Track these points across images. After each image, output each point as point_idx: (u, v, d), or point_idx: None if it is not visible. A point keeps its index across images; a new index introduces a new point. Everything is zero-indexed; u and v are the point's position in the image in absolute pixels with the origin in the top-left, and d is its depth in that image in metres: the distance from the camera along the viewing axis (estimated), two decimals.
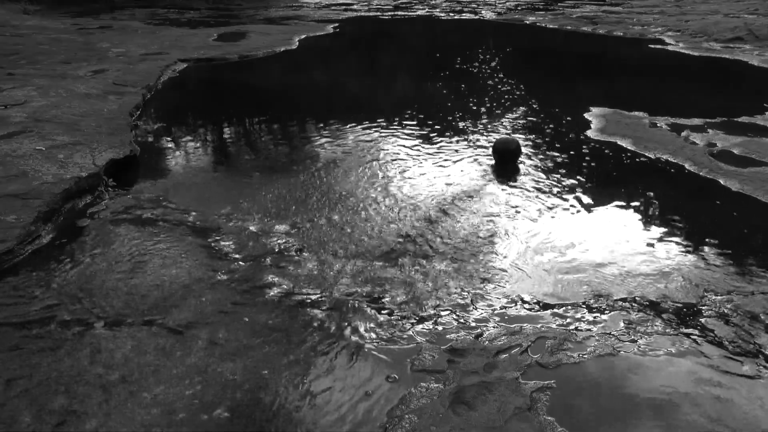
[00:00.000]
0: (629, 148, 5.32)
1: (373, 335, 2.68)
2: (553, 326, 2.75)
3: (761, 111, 6.47)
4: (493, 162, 4.94)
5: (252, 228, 3.66)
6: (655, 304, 2.92)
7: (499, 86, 8.12)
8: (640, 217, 3.97)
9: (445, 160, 5.01)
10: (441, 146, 5.40)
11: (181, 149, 5.44)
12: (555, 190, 4.39)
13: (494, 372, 2.44)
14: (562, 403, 2.28)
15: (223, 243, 3.47)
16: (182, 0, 18.51)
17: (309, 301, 2.92)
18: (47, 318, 2.73)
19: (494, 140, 5.23)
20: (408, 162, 4.94)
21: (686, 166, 4.83)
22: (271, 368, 2.45)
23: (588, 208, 4.09)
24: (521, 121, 6.34)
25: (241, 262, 3.26)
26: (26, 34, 10.67)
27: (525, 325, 2.75)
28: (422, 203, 4.07)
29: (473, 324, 2.76)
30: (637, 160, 5.03)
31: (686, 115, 6.31)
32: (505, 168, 4.81)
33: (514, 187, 4.42)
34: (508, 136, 5.25)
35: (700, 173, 4.67)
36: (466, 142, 5.53)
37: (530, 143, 5.55)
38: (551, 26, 14.36)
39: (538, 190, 4.38)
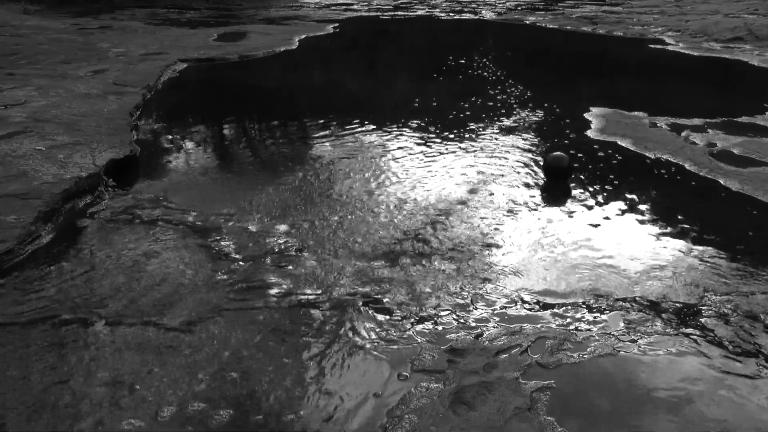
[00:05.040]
0: (629, 148, 5.32)
1: (373, 335, 2.68)
2: (553, 326, 2.75)
3: (761, 111, 6.47)
4: (488, 160, 4.94)
5: (252, 228, 3.66)
6: (655, 304, 2.92)
7: (499, 86, 8.12)
8: (639, 216, 3.97)
9: (444, 160, 5.01)
10: (440, 147, 5.39)
11: (181, 149, 5.44)
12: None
13: (494, 372, 2.44)
14: (562, 403, 2.28)
15: (223, 243, 3.47)
16: (182, 0, 18.51)
17: (309, 301, 2.92)
18: (48, 318, 2.73)
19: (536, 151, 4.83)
20: (407, 162, 4.94)
21: (686, 166, 4.83)
22: (270, 368, 2.45)
23: (587, 207, 4.09)
24: (521, 121, 6.34)
25: (241, 263, 3.26)
26: (26, 34, 10.67)
27: (525, 325, 2.75)
28: (421, 203, 4.07)
29: (473, 324, 2.76)
30: (637, 160, 5.03)
31: (686, 115, 6.31)
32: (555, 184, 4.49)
33: (509, 187, 4.42)
34: (560, 153, 4.60)
35: (700, 173, 4.67)
36: (465, 142, 5.53)
37: (530, 143, 5.55)
38: (551, 26, 14.36)
39: (536, 189, 4.38)
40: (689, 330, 2.73)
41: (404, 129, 5.96)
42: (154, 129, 6.04)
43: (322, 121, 6.34)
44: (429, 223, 3.77)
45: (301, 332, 2.69)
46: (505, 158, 5.08)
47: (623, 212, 4.03)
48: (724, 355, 2.56)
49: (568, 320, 2.79)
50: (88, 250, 3.37)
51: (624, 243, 3.57)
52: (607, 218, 3.94)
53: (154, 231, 3.60)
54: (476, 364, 2.48)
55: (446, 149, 5.31)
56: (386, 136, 5.72)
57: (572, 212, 4.01)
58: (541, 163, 4.77)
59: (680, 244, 3.57)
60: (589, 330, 2.72)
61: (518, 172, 4.73)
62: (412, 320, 2.78)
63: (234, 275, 3.13)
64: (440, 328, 2.73)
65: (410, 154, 5.17)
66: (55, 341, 2.57)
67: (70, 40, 10.35)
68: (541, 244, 3.53)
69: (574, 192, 4.34)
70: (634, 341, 2.64)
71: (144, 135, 5.74)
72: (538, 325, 2.75)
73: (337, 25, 14.25)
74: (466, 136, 5.76)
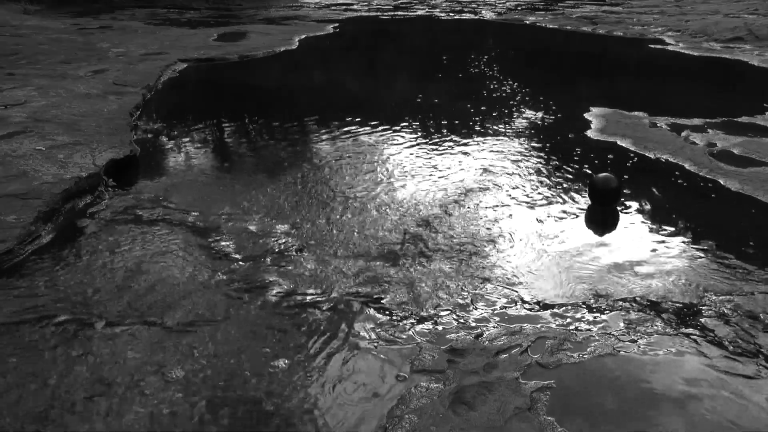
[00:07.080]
0: (629, 148, 5.32)
1: (373, 335, 2.68)
2: (553, 326, 2.75)
3: (761, 111, 6.46)
4: (487, 161, 4.94)
5: (252, 228, 3.66)
6: (655, 304, 2.92)
7: (499, 86, 8.12)
8: (639, 216, 3.97)
9: (444, 160, 5.01)
10: (439, 147, 5.39)
11: (181, 149, 5.44)
12: (553, 189, 4.39)
13: (494, 372, 2.44)
14: (562, 403, 2.28)
15: (223, 243, 3.47)
16: (182, 0, 18.50)
17: (309, 301, 2.92)
18: (48, 318, 2.72)
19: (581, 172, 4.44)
20: (407, 162, 4.94)
21: (686, 166, 4.83)
22: (269, 368, 2.45)
23: (586, 208, 4.08)
24: (521, 122, 6.34)
25: (241, 262, 3.26)
26: (26, 34, 10.67)
27: (525, 325, 2.75)
28: (421, 203, 4.07)
29: (473, 324, 2.76)
30: (637, 160, 5.03)
31: (686, 115, 6.31)
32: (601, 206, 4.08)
33: (507, 188, 4.42)
34: (608, 174, 4.08)
35: (700, 173, 4.67)
36: (464, 143, 5.53)
37: (529, 143, 5.56)
38: (551, 26, 14.35)
39: (534, 189, 4.38)
40: (689, 330, 2.73)
41: (404, 129, 5.95)
42: (154, 129, 6.04)
43: (322, 121, 6.34)
44: (429, 222, 3.77)
45: (301, 332, 2.69)
46: (505, 159, 5.07)
47: (623, 212, 4.02)
48: (724, 355, 2.56)
49: (568, 320, 2.79)
50: (88, 250, 3.36)
51: (624, 242, 3.57)
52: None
53: (154, 231, 3.60)
54: (476, 364, 2.48)
55: (446, 149, 5.31)
56: (386, 136, 5.72)
57: (571, 211, 4.00)
58: (587, 186, 4.22)
59: (680, 244, 3.57)
60: (589, 330, 2.72)
61: (518, 173, 4.72)
62: (412, 320, 2.78)
63: (234, 275, 3.13)
64: (440, 328, 2.73)
65: (410, 154, 5.17)
66: (55, 341, 2.57)
67: (70, 40, 10.35)
68: (541, 243, 3.53)
69: (573, 192, 4.34)
70: (634, 341, 2.64)
71: (144, 135, 5.74)
72: (538, 325, 2.75)
73: (337, 25, 14.25)
74: (466, 136, 5.75)
